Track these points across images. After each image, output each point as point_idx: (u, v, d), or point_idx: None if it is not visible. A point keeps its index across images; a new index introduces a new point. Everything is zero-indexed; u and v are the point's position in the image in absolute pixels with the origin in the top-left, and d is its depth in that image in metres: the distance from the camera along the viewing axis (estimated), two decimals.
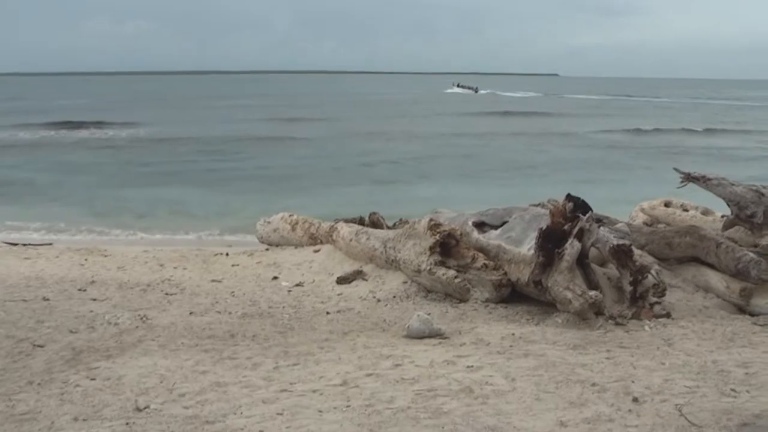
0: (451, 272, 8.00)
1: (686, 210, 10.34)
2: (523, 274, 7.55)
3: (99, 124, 43.69)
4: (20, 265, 10.22)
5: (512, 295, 7.84)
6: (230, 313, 7.54)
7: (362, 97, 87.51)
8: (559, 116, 55.35)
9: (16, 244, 12.32)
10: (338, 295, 8.49)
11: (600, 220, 8.18)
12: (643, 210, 10.93)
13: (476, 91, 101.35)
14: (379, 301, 8.14)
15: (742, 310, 7.49)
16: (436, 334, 6.37)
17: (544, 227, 7.19)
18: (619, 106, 70.08)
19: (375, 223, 10.93)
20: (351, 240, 9.80)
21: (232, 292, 8.65)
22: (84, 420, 4.54)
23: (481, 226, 8.75)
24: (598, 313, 6.85)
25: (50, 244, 12.68)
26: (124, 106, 66.24)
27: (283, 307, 7.85)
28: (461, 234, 8.47)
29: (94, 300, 8.07)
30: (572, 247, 6.96)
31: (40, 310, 7.53)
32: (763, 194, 8.55)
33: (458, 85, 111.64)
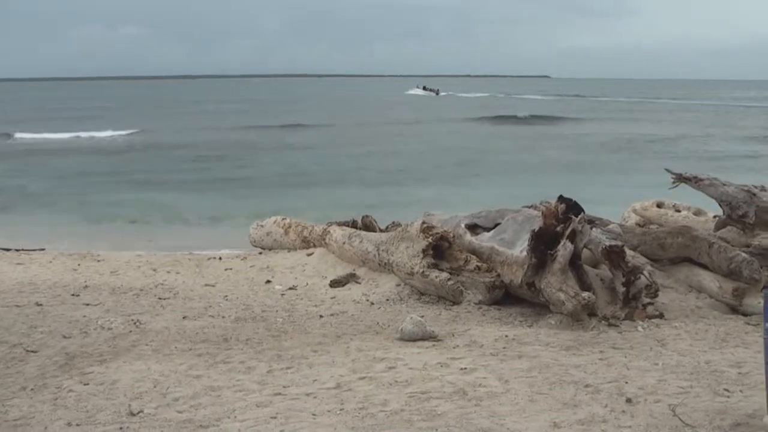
0: (444, 274, 8.00)
1: (678, 211, 10.36)
2: (516, 276, 7.56)
3: (93, 130, 43.50)
4: (13, 271, 10.18)
5: (505, 297, 7.85)
6: (223, 317, 7.53)
7: (354, 101, 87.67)
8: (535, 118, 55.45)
9: (8, 249, 12.27)
10: (331, 298, 8.48)
11: (592, 222, 8.20)
12: (635, 211, 10.95)
13: (437, 93, 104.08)
14: (372, 304, 8.14)
15: (734, 310, 7.52)
16: (430, 337, 6.37)
17: (537, 229, 7.20)
18: (580, 108, 70.50)
19: (368, 226, 10.92)
20: (344, 243, 9.80)
21: (226, 296, 8.64)
22: (77, 425, 4.53)
23: (473, 228, 8.77)
24: (591, 314, 6.87)
25: (43, 249, 12.63)
26: (117, 111, 66.06)
27: (277, 310, 7.85)
28: (454, 236, 8.48)
29: (88, 305, 8.05)
30: (565, 248, 6.97)
31: (33, 315, 7.51)
32: (754, 194, 8.58)
33: (423, 87, 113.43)
